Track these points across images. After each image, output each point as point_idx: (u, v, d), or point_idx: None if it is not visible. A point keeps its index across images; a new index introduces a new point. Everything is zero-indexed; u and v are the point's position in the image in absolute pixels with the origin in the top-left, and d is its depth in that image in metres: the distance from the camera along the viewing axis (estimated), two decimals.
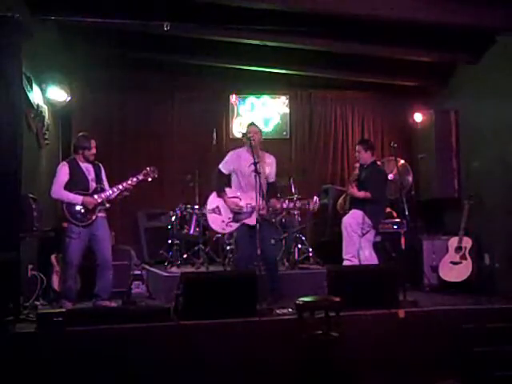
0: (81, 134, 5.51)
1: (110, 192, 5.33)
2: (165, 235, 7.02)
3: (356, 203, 5.74)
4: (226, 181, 5.37)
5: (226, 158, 5.42)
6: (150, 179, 5.43)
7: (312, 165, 8.19)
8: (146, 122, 7.86)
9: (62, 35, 6.49)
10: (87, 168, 5.39)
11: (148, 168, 5.42)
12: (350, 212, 5.75)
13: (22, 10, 5.30)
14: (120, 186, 5.34)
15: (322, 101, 8.46)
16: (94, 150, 5.39)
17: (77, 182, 5.28)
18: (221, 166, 5.36)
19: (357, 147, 6.02)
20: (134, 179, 5.35)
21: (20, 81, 4.81)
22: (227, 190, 5.27)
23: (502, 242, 6.09)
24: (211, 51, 6.99)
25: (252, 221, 5.13)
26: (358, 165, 5.95)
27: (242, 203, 5.18)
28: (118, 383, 3.92)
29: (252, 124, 5.53)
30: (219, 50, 6.91)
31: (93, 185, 5.34)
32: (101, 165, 5.53)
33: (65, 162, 5.41)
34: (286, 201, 5.26)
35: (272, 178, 5.38)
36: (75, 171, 5.32)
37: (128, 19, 5.82)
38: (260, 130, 5.44)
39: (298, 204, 5.25)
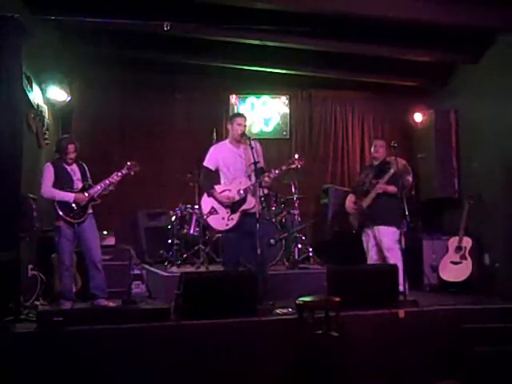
0: (62, 136, 5.56)
1: (98, 187, 5.36)
2: (165, 235, 7.02)
3: (383, 213, 5.56)
4: (214, 179, 5.34)
5: (209, 153, 5.36)
6: (132, 173, 5.45)
7: (312, 165, 8.18)
8: (145, 121, 7.86)
9: (61, 35, 6.49)
10: (72, 168, 5.43)
11: (129, 163, 5.44)
12: (383, 231, 5.59)
13: (22, 10, 5.31)
14: (107, 181, 5.37)
15: (321, 101, 8.46)
16: (71, 155, 5.38)
17: (62, 182, 5.31)
18: (206, 164, 5.30)
19: (381, 142, 5.98)
20: (119, 173, 5.39)
21: (20, 81, 4.81)
22: (216, 187, 5.25)
23: (501, 242, 6.09)
24: (211, 51, 6.99)
25: (249, 204, 5.11)
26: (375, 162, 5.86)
27: (233, 193, 5.17)
28: (117, 383, 3.92)
29: (238, 115, 5.52)
30: (219, 49, 6.91)
31: (79, 184, 5.37)
32: (85, 165, 5.56)
33: (49, 163, 5.42)
34: (272, 170, 5.18)
35: (261, 164, 5.23)
36: (60, 171, 5.34)
37: (128, 19, 5.82)
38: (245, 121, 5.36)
39: (284, 167, 5.21)
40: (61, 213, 5.20)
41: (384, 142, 6.03)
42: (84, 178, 5.45)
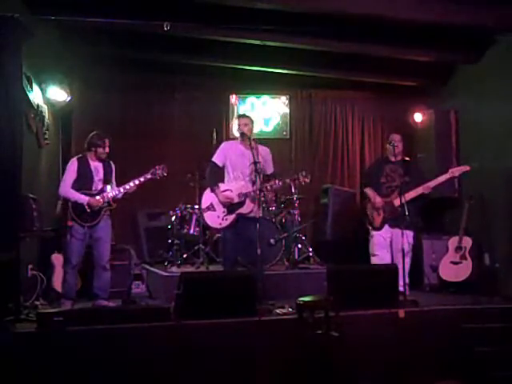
0: (95, 132, 5.46)
1: (116, 192, 5.31)
2: (165, 235, 7.02)
3: (410, 215, 5.20)
4: (219, 175, 5.35)
5: (219, 148, 5.40)
6: (158, 178, 5.40)
7: (312, 165, 8.19)
8: (145, 121, 7.86)
9: (61, 35, 6.49)
10: (96, 167, 5.36)
11: (157, 166, 5.39)
12: (407, 234, 5.31)
13: (22, 10, 5.31)
14: (127, 186, 5.32)
15: (322, 101, 8.47)
16: (107, 149, 5.37)
17: (82, 181, 5.27)
18: (214, 159, 5.33)
19: (399, 137, 5.83)
20: (142, 178, 5.33)
21: (20, 81, 4.81)
22: (221, 184, 5.26)
23: (501, 242, 6.10)
24: (211, 51, 6.99)
25: (246, 209, 5.13)
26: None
27: (233, 194, 5.18)
28: (118, 383, 3.92)
29: (242, 116, 5.51)
30: (219, 49, 6.90)
31: (99, 185, 5.32)
32: (112, 163, 5.50)
33: (75, 159, 5.38)
34: (276, 180, 5.17)
35: (270, 170, 5.31)
36: (83, 169, 5.30)
37: (128, 19, 5.82)
38: (251, 121, 5.36)
39: (288, 180, 5.20)
40: (73, 214, 5.17)
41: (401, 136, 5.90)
42: (106, 178, 5.37)
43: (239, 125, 5.29)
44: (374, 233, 5.77)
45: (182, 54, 7.16)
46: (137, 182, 5.33)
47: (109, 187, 5.36)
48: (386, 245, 5.69)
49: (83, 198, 5.19)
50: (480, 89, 6.57)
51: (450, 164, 6.96)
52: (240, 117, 5.48)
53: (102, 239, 5.30)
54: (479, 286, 5.72)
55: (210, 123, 7.69)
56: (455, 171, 5.57)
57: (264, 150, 5.34)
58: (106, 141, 5.38)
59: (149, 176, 5.36)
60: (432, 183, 5.55)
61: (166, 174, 5.43)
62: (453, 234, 6.21)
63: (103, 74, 7.58)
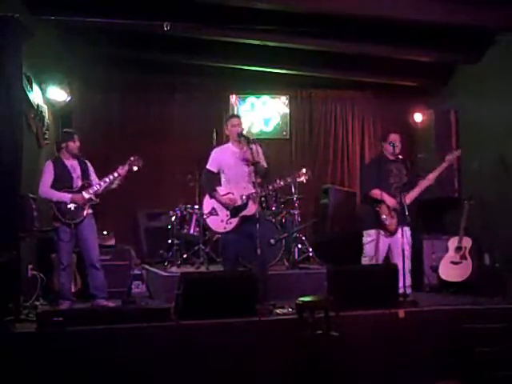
0: (64, 130, 5.48)
1: (98, 186, 5.29)
2: (165, 235, 7.02)
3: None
4: (216, 180, 5.33)
5: (211, 156, 5.34)
6: (135, 168, 5.37)
7: (312, 165, 8.18)
8: (145, 121, 7.87)
9: (61, 35, 6.50)
10: (72, 165, 5.35)
11: (132, 158, 5.37)
12: (410, 232, 5.27)
13: (22, 10, 5.31)
14: (107, 179, 5.30)
15: (322, 101, 8.48)
16: (77, 143, 5.35)
17: (62, 181, 5.24)
18: (208, 166, 5.29)
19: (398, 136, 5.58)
20: (120, 170, 5.30)
21: (20, 81, 4.82)
22: (218, 188, 5.25)
23: (501, 242, 6.09)
24: (211, 51, 7.00)
25: (250, 211, 5.10)
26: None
27: (236, 197, 5.17)
28: (117, 383, 3.92)
29: (232, 116, 5.50)
30: (219, 49, 6.92)
31: (78, 182, 5.30)
32: (87, 161, 5.49)
33: (49, 161, 5.36)
34: (277, 179, 5.17)
35: (264, 164, 5.23)
36: (60, 169, 5.28)
37: (128, 19, 5.82)
38: (240, 118, 5.38)
39: (289, 179, 5.18)
40: (58, 214, 5.16)
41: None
42: (84, 175, 5.37)
43: (235, 125, 5.24)
44: (373, 238, 5.50)
45: (182, 53, 7.17)
46: (116, 174, 5.30)
47: (90, 183, 5.33)
48: (384, 246, 5.54)
49: (66, 196, 5.17)
50: (480, 89, 6.57)
51: (450, 164, 6.98)
52: (234, 117, 5.44)
53: (88, 239, 5.27)
54: (479, 286, 5.72)
55: (209, 123, 7.68)
56: (451, 158, 5.56)
57: (256, 146, 5.22)
58: (75, 135, 5.37)
59: (126, 167, 5.32)
60: (433, 174, 5.50)
61: (141, 165, 5.39)
62: (453, 234, 6.20)
63: (103, 74, 7.59)
